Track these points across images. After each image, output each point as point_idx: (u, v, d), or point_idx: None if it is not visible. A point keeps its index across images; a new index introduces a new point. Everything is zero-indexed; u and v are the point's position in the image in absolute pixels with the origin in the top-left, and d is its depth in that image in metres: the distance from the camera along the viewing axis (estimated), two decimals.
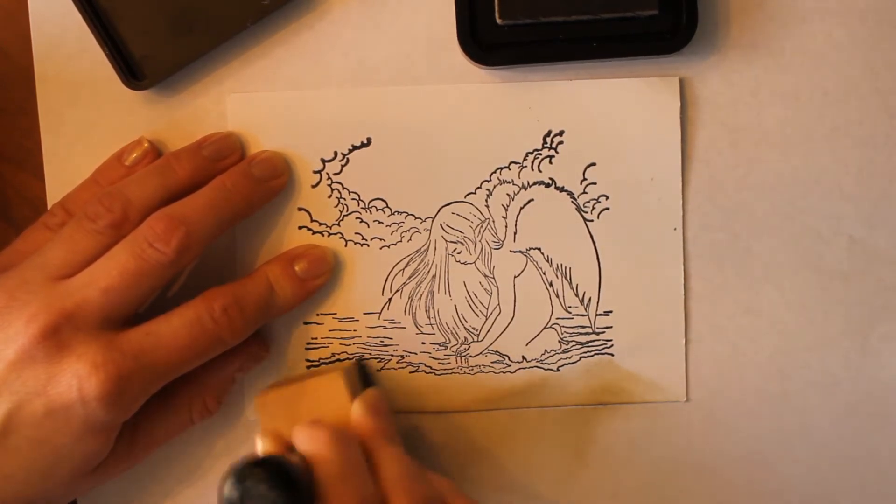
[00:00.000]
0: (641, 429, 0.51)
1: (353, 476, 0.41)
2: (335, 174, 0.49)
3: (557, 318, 0.50)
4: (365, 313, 0.50)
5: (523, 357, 0.50)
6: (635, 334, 0.50)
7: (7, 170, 0.50)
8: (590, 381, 0.50)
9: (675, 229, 0.50)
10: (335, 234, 0.50)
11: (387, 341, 0.50)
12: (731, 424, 0.51)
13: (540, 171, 0.49)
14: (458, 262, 0.50)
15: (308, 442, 0.41)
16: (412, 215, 0.50)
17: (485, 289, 0.50)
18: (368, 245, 0.50)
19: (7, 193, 0.50)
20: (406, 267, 0.50)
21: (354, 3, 0.49)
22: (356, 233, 0.50)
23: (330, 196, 0.49)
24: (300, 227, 0.50)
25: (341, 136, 0.49)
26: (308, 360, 0.50)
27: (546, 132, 0.49)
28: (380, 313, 0.50)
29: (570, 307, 0.50)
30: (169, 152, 0.48)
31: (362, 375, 0.49)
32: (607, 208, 0.50)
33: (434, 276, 0.50)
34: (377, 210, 0.49)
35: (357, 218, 0.50)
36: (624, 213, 0.50)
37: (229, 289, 0.45)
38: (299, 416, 0.44)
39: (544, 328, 0.50)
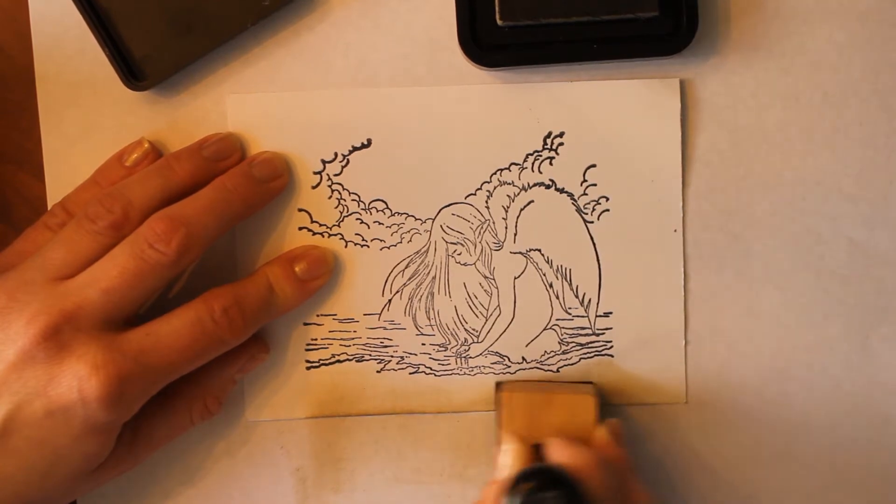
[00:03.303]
0: (641, 429, 0.51)
1: (616, 502, 0.42)
2: (335, 175, 0.49)
3: (557, 320, 0.50)
4: (365, 314, 0.50)
5: (523, 358, 0.50)
6: (635, 335, 0.50)
7: (7, 170, 0.50)
8: None
9: (675, 231, 0.50)
10: (335, 235, 0.50)
11: (387, 342, 0.50)
12: (731, 425, 0.51)
13: (540, 172, 0.50)
14: (459, 263, 0.50)
15: (574, 459, 0.42)
16: (412, 216, 0.50)
17: (485, 290, 0.50)
18: (368, 246, 0.50)
19: (7, 194, 0.50)
20: (406, 268, 0.50)
21: (355, 4, 0.49)
22: (356, 234, 0.50)
23: (330, 197, 0.49)
24: (300, 228, 0.50)
25: (341, 136, 0.49)
26: (308, 361, 0.50)
27: (546, 133, 0.49)
28: (380, 314, 0.50)
29: (570, 308, 0.50)
30: (169, 153, 0.48)
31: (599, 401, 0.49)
32: (607, 210, 0.50)
33: (434, 278, 0.50)
34: (377, 211, 0.49)
35: (357, 219, 0.50)
36: (624, 214, 0.50)
37: (229, 289, 0.45)
38: (540, 424, 0.46)
39: (544, 329, 0.50)
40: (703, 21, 0.48)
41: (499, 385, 0.48)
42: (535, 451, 0.44)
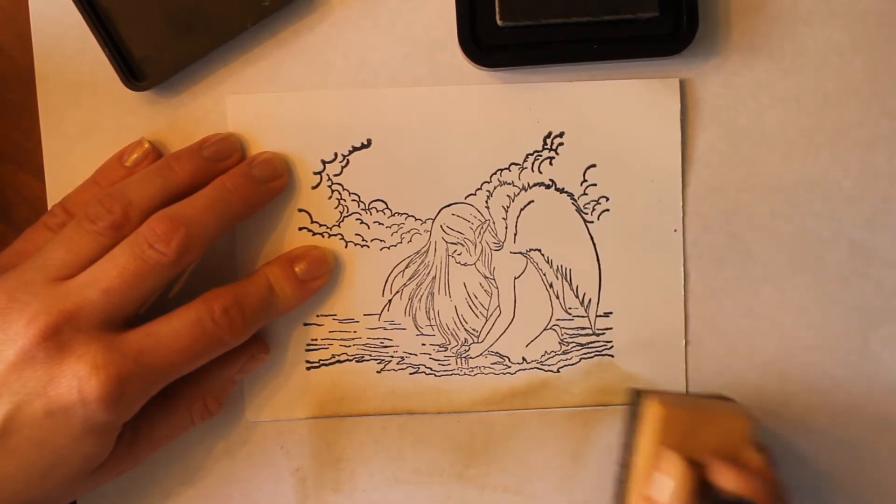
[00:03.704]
0: None
1: None
2: (335, 175, 0.49)
3: (557, 320, 0.50)
4: (365, 314, 0.50)
5: (523, 358, 0.50)
6: (635, 335, 0.50)
7: (7, 170, 0.50)
8: (590, 383, 0.50)
9: (675, 231, 0.50)
10: (335, 235, 0.50)
11: (387, 342, 0.50)
12: None
13: (540, 172, 0.50)
14: (459, 263, 0.50)
15: (748, 489, 0.41)
16: (412, 216, 0.50)
17: (485, 290, 0.50)
18: (368, 246, 0.50)
19: (7, 194, 0.50)
20: (406, 268, 0.50)
21: (355, 5, 0.49)
22: (356, 234, 0.50)
23: (330, 197, 0.49)
24: (300, 229, 0.50)
25: (341, 137, 0.49)
26: (308, 362, 0.50)
27: (546, 133, 0.49)
28: (380, 314, 0.50)
29: (570, 308, 0.50)
30: (169, 153, 0.48)
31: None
32: (607, 210, 0.50)
33: (434, 278, 0.50)
34: (377, 211, 0.49)
35: (357, 219, 0.50)
36: (624, 214, 0.50)
37: (230, 290, 0.45)
38: (693, 443, 0.44)
39: (544, 329, 0.50)
40: (704, 21, 0.48)
41: (640, 393, 0.47)
42: (695, 470, 0.43)
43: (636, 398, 0.47)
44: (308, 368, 0.50)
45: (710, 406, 0.47)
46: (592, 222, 0.50)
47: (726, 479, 0.42)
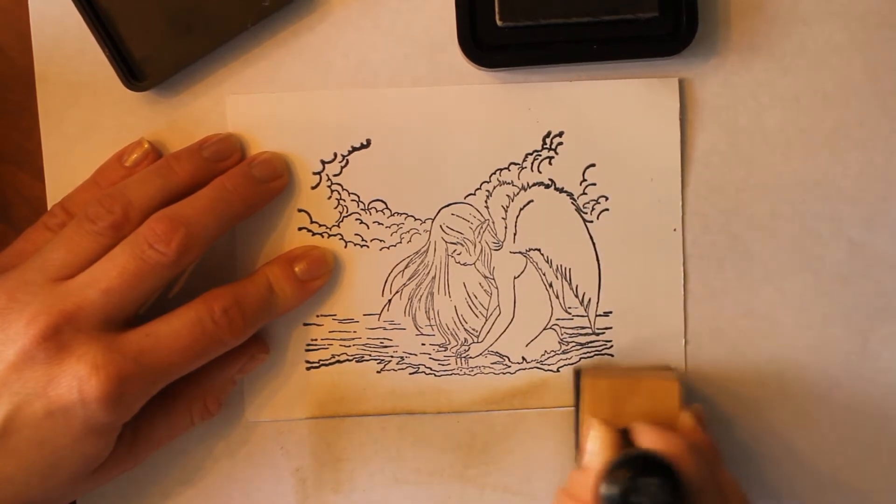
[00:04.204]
0: None
1: (710, 491, 0.41)
2: (335, 175, 0.49)
3: (557, 319, 0.50)
4: (365, 314, 0.50)
5: (523, 358, 0.50)
6: (635, 335, 0.50)
7: (7, 170, 0.50)
8: None
9: (674, 230, 0.50)
10: (335, 235, 0.50)
11: (387, 342, 0.50)
12: (730, 425, 0.51)
13: (539, 171, 0.50)
14: (458, 263, 0.50)
15: (665, 445, 0.42)
16: (412, 216, 0.50)
17: (484, 290, 0.50)
18: (368, 246, 0.50)
19: (7, 194, 0.50)
20: (406, 268, 0.50)
21: (355, 5, 0.49)
22: (356, 234, 0.50)
23: (329, 197, 0.49)
24: (300, 229, 0.50)
25: (341, 137, 0.49)
26: (308, 362, 0.50)
27: (546, 133, 0.49)
28: (380, 314, 0.50)
29: (569, 308, 0.50)
30: (169, 153, 0.48)
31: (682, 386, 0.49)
32: (607, 209, 0.50)
33: (434, 278, 0.50)
34: (377, 211, 0.50)
35: (357, 219, 0.50)
36: (624, 214, 0.50)
37: (229, 290, 0.45)
38: (624, 410, 0.45)
39: (544, 329, 0.50)
40: (703, 22, 0.48)
41: (579, 372, 0.48)
42: (622, 436, 0.44)
43: (576, 377, 0.48)
44: (308, 368, 0.50)
45: (640, 374, 0.48)
46: (592, 222, 0.50)
47: (644, 437, 0.42)
